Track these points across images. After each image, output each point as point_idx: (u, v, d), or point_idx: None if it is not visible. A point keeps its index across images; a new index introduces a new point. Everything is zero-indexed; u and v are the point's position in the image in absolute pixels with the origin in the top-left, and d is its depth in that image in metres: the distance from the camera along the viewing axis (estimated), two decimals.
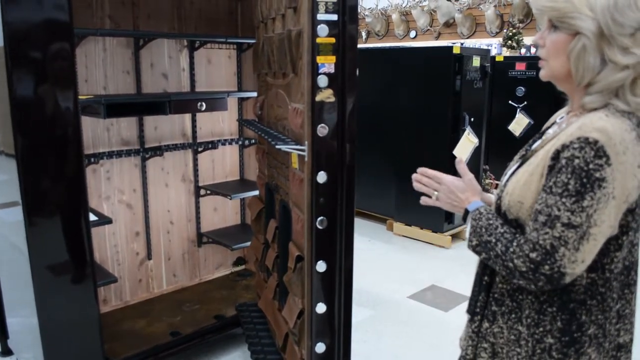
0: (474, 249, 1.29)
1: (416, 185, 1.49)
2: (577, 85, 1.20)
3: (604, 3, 1.12)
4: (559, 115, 1.40)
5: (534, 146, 1.35)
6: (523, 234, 1.20)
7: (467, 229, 1.38)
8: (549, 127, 1.41)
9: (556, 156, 1.13)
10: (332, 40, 1.94)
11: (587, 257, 1.13)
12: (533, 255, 1.13)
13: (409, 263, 4.85)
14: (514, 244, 1.18)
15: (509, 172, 1.37)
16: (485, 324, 1.34)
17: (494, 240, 1.22)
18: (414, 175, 1.50)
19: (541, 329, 1.23)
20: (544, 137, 1.33)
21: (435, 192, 1.45)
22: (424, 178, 1.47)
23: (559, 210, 1.11)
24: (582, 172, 1.09)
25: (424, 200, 1.49)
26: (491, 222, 1.26)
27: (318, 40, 1.92)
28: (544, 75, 1.27)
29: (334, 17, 1.93)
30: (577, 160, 1.09)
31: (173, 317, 3.18)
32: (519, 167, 1.30)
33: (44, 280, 2.18)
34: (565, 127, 1.22)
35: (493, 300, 1.33)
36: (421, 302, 4.01)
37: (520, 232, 1.23)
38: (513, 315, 1.28)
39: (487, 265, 1.32)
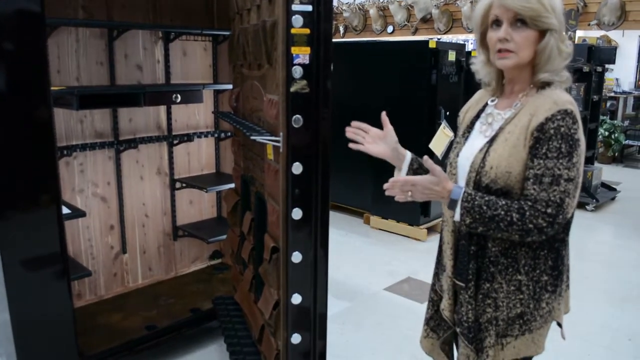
0: (469, 226, 1.46)
1: (390, 192, 1.56)
2: (540, 69, 1.47)
3: (558, 6, 1.45)
4: (487, 98, 1.64)
5: (486, 124, 1.58)
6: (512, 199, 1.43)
7: (456, 211, 1.51)
8: (482, 110, 1.64)
9: (541, 128, 1.40)
10: (307, 31, 1.94)
11: (577, 200, 1.43)
12: (549, 210, 1.37)
13: (385, 256, 4.89)
14: (526, 208, 1.39)
15: (469, 151, 1.57)
16: (486, 285, 1.53)
17: (502, 212, 1.40)
18: (386, 185, 1.57)
19: (537, 271, 1.50)
20: (497, 117, 1.55)
21: (409, 192, 1.54)
22: (397, 188, 1.54)
23: (559, 169, 1.38)
24: (568, 136, 1.38)
25: (398, 197, 1.56)
26: (487, 198, 1.44)
27: (293, 30, 1.92)
28: (510, 63, 1.48)
29: (309, 7, 1.93)
30: (562, 129, 1.38)
31: (149, 311, 3.15)
32: (490, 145, 1.50)
33: (16, 274, 2.14)
34: (520, 105, 1.49)
35: (489, 262, 1.52)
36: (397, 294, 4.04)
37: (510, 199, 1.44)
38: (510, 270, 1.51)
39: (473, 236, 1.53)
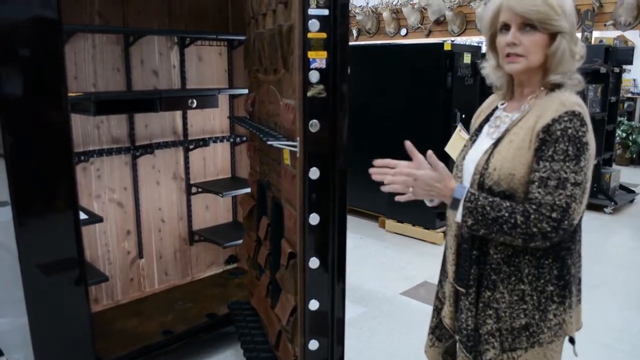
0: (471, 227, 1.41)
1: (391, 187, 1.50)
2: (552, 72, 1.43)
3: (569, 7, 1.41)
4: (498, 102, 1.61)
5: (493, 127, 1.55)
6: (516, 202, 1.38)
7: (458, 211, 1.45)
8: (491, 113, 1.61)
9: (547, 130, 1.35)
10: (324, 35, 1.93)
11: (584, 207, 1.37)
12: (554, 215, 1.31)
13: (401, 260, 4.85)
14: (531, 211, 1.33)
15: (475, 153, 1.53)
16: (487, 293, 1.47)
17: (506, 214, 1.35)
18: (373, 170, 1.52)
19: (542, 281, 1.43)
20: (505, 119, 1.52)
21: (411, 188, 1.49)
22: (400, 177, 1.49)
23: (565, 173, 1.32)
24: (575, 139, 1.33)
25: (398, 198, 1.53)
26: (490, 199, 1.39)
27: (309, 35, 1.92)
28: (519, 68, 1.44)
29: (325, 12, 1.92)
30: (570, 130, 1.33)
31: (165, 316, 3.16)
32: (494, 147, 1.46)
33: (34, 279, 2.15)
34: (528, 108, 1.46)
35: (491, 270, 1.46)
36: (414, 298, 4.01)
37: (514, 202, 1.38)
38: (513, 279, 1.44)
39: (475, 240, 1.47)
